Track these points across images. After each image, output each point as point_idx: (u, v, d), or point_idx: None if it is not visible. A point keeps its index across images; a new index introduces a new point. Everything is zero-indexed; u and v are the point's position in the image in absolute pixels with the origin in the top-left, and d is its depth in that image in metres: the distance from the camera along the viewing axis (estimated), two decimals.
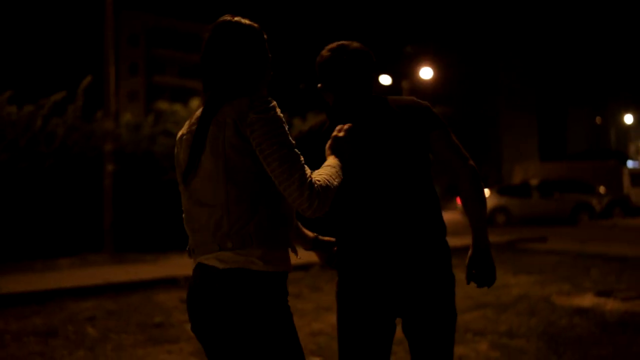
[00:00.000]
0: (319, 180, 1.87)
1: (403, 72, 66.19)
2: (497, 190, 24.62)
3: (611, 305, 6.81)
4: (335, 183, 1.92)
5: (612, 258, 11.12)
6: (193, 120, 2.02)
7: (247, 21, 2.06)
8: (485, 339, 5.45)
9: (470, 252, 2.45)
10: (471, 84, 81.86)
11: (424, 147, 2.31)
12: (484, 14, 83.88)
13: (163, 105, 14.98)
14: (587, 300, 7.19)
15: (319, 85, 2.41)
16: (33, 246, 11.28)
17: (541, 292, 7.87)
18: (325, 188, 1.86)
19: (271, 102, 1.91)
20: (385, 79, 49.89)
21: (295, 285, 7.80)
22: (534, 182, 26.01)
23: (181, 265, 9.61)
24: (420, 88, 62.69)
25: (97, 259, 10.68)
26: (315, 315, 6.41)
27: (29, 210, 11.61)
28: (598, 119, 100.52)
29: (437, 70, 54.33)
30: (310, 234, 2.42)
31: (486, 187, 45.19)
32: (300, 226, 2.40)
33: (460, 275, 2.56)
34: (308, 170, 1.87)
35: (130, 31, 65.33)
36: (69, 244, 11.52)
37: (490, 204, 23.17)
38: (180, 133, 2.07)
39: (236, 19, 2.04)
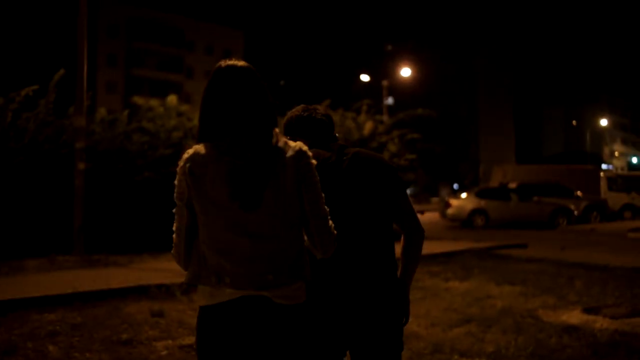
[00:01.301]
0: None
1: (383, 71, 66.22)
2: (476, 192, 24.54)
3: (600, 323, 6.59)
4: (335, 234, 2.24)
5: (594, 267, 11.03)
6: (224, 151, 2.09)
7: (245, 63, 2.23)
8: None
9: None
10: (450, 83, 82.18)
11: (385, 202, 2.59)
12: (463, 14, 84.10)
13: (139, 100, 14.54)
14: (575, 317, 6.96)
15: (287, 138, 2.50)
16: (0, 247, 10.81)
17: (525, 305, 7.67)
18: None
19: (310, 152, 2.17)
20: (364, 77, 49.89)
21: None
22: (512, 185, 26.00)
23: (154, 270, 9.23)
24: (400, 87, 62.80)
25: (66, 262, 10.18)
26: None
27: None
28: (574, 122, 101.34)
29: (416, 69, 54.40)
30: None
31: (463, 188, 45.33)
32: None
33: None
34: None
35: (109, 22, 64.40)
36: (38, 245, 11.02)
37: (469, 206, 23.24)
38: (196, 159, 2.10)
39: (241, 64, 2.21)
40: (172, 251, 2.27)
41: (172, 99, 14.48)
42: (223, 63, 2.20)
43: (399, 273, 2.64)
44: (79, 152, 10.77)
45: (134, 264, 10.14)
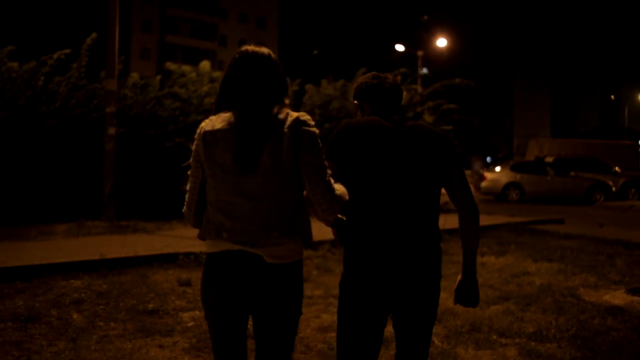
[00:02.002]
0: (337, 190, 2.34)
1: (418, 41, 65.19)
2: (511, 166, 24.01)
3: None
4: (346, 199, 2.40)
5: (635, 246, 10.67)
6: (233, 121, 2.32)
7: (262, 50, 2.48)
8: (512, 343, 4.93)
9: (460, 277, 2.81)
10: (486, 56, 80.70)
11: (440, 175, 2.67)
12: None
13: (172, 66, 14.34)
14: (619, 297, 6.64)
15: (355, 102, 2.89)
16: (30, 210, 10.75)
17: (565, 283, 7.38)
18: (340, 199, 2.34)
19: (312, 121, 2.36)
20: (399, 47, 49.21)
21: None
22: (549, 159, 25.40)
23: (183, 238, 9.07)
24: (435, 58, 61.80)
25: (95, 227, 10.08)
26: (325, 305, 5.88)
27: (26, 172, 11.05)
28: (612, 96, 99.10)
29: (451, 41, 53.45)
30: (343, 217, 2.68)
31: (496, 162, 44.59)
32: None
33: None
34: (332, 180, 2.34)
35: None
36: (67, 210, 10.96)
37: (503, 179, 22.80)
38: (210, 129, 2.33)
39: (262, 50, 2.47)
40: (183, 209, 2.49)
41: (204, 64, 14.23)
42: (243, 48, 2.47)
43: (462, 256, 2.80)
44: (110, 116, 10.59)
45: (162, 231, 10.00)
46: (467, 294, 2.80)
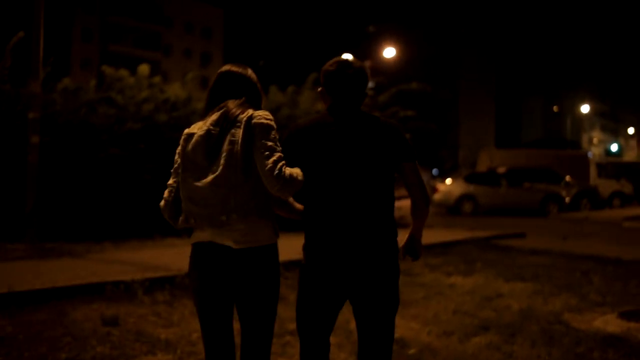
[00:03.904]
0: (288, 169, 2.60)
1: (365, 52, 65.01)
2: (464, 177, 23.58)
3: None
4: (300, 179, 2.63)
5: (606, 261, 10.13)
6: (208, 123, 2.73)
7: (249, 70, 2.93)
8: None
9: (407, 236, 2.99)
10: (431, 67, 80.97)
11: (394, 167, 2.83)
12: None
13: (107, 69, 13.15)
14: (612, 323, 5.92)
15: (320, 89, 2.94)
16: None
17: (546, 307, 6.67)
18: (292, 177, 2.58)
19: (268, 116, 2.72)
20: (347, 57, 48.65)
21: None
22: (501, 169, 25.04)
23: (114, 262, 7.94)
24: (382, 69, 61.65)
25: (14, 251, 8.75)
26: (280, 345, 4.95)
27: None
28: (555, 108, 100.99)
29: (398, 52, 53.33)
30: (299, 206, 2.92)
31: (443, 174, 44.34)
32: (292, 201, 2.93)
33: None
34: (283, 162, 2.60)
35: None
36: None
37: (457, 191, 22.40)
38: (189, 131, 2.77)
39: (244, 70, 2.90)
40: (160, 203, 2.79)
41: (143, 68, 13.09)
42: (224, 67, 2.90)
43: (410, 229, 2.99)
44: (33, 123, 9.30)
45: (91, 254, 8.75)
46: (412, 248, 2.99)
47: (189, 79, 14.49)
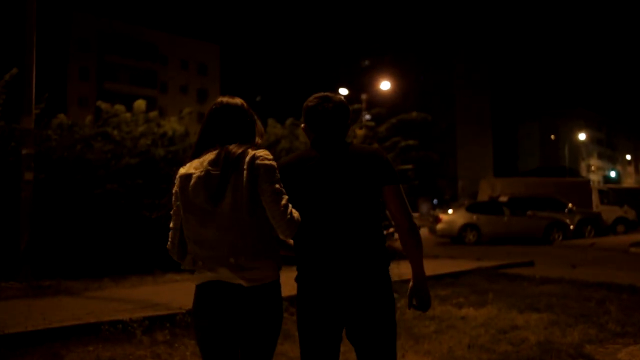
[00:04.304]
0: (294, 212, 2.62)
1: (361, 85, 65.22)
2: (467, 207, 23.34)
3: None
4: (300, 219, 2.65)
5: (619, 288, 9.79)
6: (205, 164, 2.68)
7: (239, 100, 2.89)
8: None
9: (411, 284, 2.89)
10: (427, 99, 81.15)
11: (377, 193, 2.80)
12: (439, 28, 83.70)
13: (103, 104, 12.97)
14: (637, 356, 5.58)
15: (303, 125, 2.95)
16: None
17: (565, 339, 6.33)
18: (298, 220, 2.61)
19: (269, 155, 2.69)
20: (343, 91, 48.96)
21: None
22: (503, 198, 24.84)
23: (112, 300, 7.61)
24: (378, 101, 61.84)
25: (8, 289, 8.41)
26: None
27: None
28: (552, 136, 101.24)
29: (394, 84, 53.54)
30: (291, 241, 2.93)
31: (443, 204, 44.10)
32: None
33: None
34: (290, 205, 2.62)
35: (80, 35, 62.69)
36: None
37: (460, 221, 22.15)
38: (185, 171, 2.71)
39: (235, 101, 2.87)
40: (168, 244, 2.83)
41: (139, 104, 12.92)
42: (218, 100, 2.89)
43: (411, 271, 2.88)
44: (27, 159, 9.02)
45: (89, 292, 8.41)
46: (419, 298, 2.88)
47: (185, 113, 14.33)
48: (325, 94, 2.89)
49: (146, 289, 8.76)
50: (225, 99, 2.85)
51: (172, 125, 13.13)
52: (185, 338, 6.01)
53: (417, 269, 2.84)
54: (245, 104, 2.86)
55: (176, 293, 8.13)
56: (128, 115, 12.75)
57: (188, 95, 70.40)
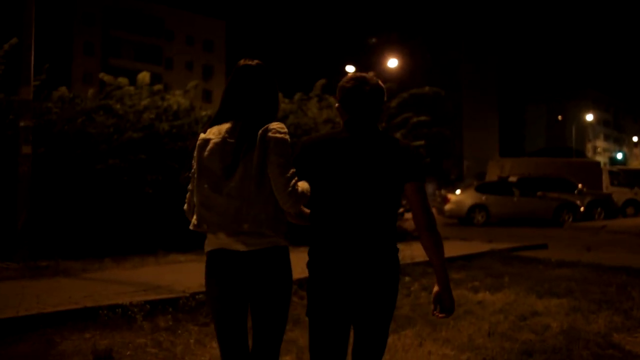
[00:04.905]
0: (299, 186, 2.66)
1: (368, 63, 64.66)
2: (476, 187, 22.92)
3: None
4: (308, 194, 2.70)
5: (638, 272, 9.44)
6: (224, 131, 2.75)
7: (260, 63, 2.90)
8: None
9: (435, 289, 2.83)
10: (434, 78, 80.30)
11: (401, 186, 2.79)
12: (447, 7, 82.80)
13: (106, 77, 12.55)
14: None
15: (337, 105, 2.91)
16: None
17: (589, 326, 6.02)
18: (302, 194, 2.65)
19: (283, 129, 2.74)
20: (350, 69, 48.40)
21: None
22: (512, 179, 24.42)
23: (112, 282, 7.24)
24: (385, 79, 61.21)
25: (4, 270, 8.05)
26: None
27: None
28: (559, 117, 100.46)
29: (400, 63, 52.96)
30: (306, 210, 2.88)
31: (449, 184, 43.80)
32: (303, 210, 2.86)
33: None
34: (295, 177, 2.66)
35: (85, 9, 61.96)
36: None
37: (468, 201, 21.78)
38: (205, 136, 2.78)
39: (256, 62, 2.89)
40: (185, 206, 2.90)
41: (144, 75, 12.48)
42: (242, 62, 2.89)
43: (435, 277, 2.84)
44: (24, 131, 8.59)
45: (89, 273, 8.01)
46: (443, 303, 2.83)
47: (191, 86, 13.89)
48: (362, 75, 2.85)
49: (148, 270, 8.38)
50: (245, 61, 2.87)
51: (176, 99, 12.70)
52: (189, 324, 5.64)
53: (441, 273, 2.80)
54: (266, 67, 2.88)
55: (179, 275, 7.78)
56: (131, 88, 12.33)
57: (193, 71, 69.72)
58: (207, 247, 2.78)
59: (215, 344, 5.02)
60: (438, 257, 2.77)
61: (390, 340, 5.45)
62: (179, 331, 5.40)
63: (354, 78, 2.84)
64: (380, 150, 2.76)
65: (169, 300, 6.16)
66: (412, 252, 9.01)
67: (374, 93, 2.82)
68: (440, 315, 2.82)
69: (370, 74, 2.90)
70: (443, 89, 16.37)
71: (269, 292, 2.69)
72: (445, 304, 2.80)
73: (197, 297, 6.30)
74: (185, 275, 7.63)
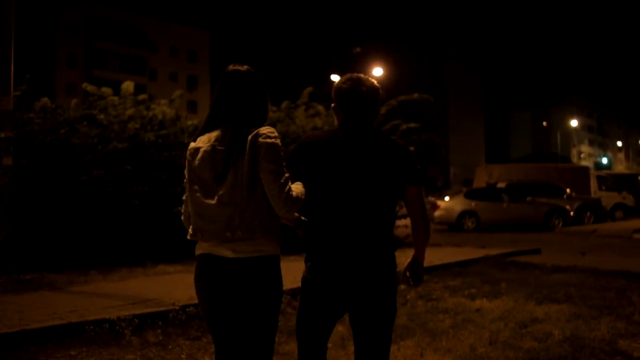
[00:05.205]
0: (294, 191, 2.65)
1: (352, 72, 64.45)
2: (465, 194, 22.85)
3: None
4: (302, 198, 2.69)
5: (637, 277, 9.32)
6: (212, 139, 2.73)
7: (250, 69, 2.87)
8: None
9: (409, 261, 3.00)
10: (419, 86, 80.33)
11: (399, 187, 2.85)
12: (431, 16, 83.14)
13: (89, 87, 12.30)
14: None
15: (333, 105, 2.95)
16: None
17: (592, 332, 5.84)
18: (297, 198, 2.65)
19: (273, 133, 2.71)
20: (335, 77, 48.39)
21: None
22: (501, 185, 24.37)
23: (99, 296, 6.96)
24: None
25: None
26: None
27: None
28: (544, 123, 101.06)
29: (385, 71, 53.03)
30: (296, 214, 2.88)
31: (436, 191, 43.81)
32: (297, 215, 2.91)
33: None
34: (289, 183, 2.65)
35: (68, 21, 61.66)
36: None
37: (458, 208, 21.75)
38: (195, 145, 2.76)
39: (245, 68, 2.85)
40: (182, 216, 2.89)
41: (127, 85, 12.24)
42: (230, 67, 2.85)
43: (413, 253, 2.99)
44: (5, 142, 8.27)
45: (74, 286, 7.72)
46: (414, 271, 2.99)
47: (176, 95, 13.67)
48: (359, 75, 2.89)
49: (136, 283, 8.10)
50: (234, 66, 2.84)
51: (162, 108, 12.46)
52: (179, 338, 5.38)
53: (420, 253, 2.97)
54: (255, 72, 2.85)
55: (168, 287, 7.52)
56: (115, 98, 12.07)
57: (178, 82, 69.42)
58: (197, 251, 2.79)
59: (207, 359, 4.80)
60: (424, 248, 2.97)
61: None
62: (170, 346, 5.14)
63: (351, 79, 2.87)
64: (378, 149, 2.78)
65: (158, 313, 5.90)
66: (406, 260, 8.84)
67: (370, 93, 2.86)
68: (411, 281, 3.00)
69: (367, 76, 2.92)
70: (428, 94, 16.20)
71: (256, 300, 2.68)
72: (416, 272, 2.99)
73: (187, 310, 6.06)
74: (175, 287, 7.38)
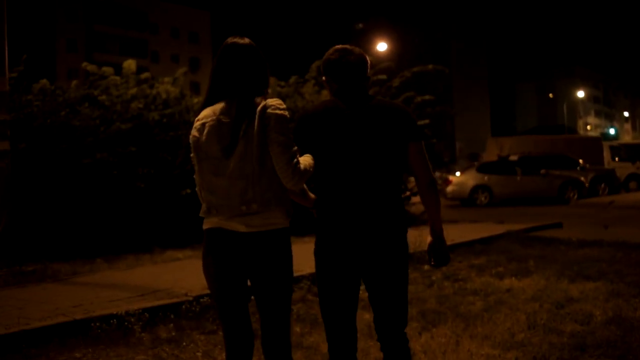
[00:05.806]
0: (302, 161, 2.65)
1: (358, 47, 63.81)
2: (477, 168, 22.28)
3: None
4: (311, 169, 2.70)
5: None
6: (217, 112, 2.67)
7: (249, 41, 2.83)
8: None
9: (429, 239, 2.94)
10: (424, 62, 79.62)
11: (401, 148, 2.84)
12: None
13: (89, 66, 11.81)
14: None
15: (324, 78, 2.99)
16: None
17: (636, 312, 5.40)
18: (305, 170, 2.64)
19: (282, 105, 2.70)
20: (345, 46, 47.81)
21: None
22: (513, 157, 23.85)
23: (105, 287, 6.53)
24: (374, 64, 60.58)
25: None
26: None
27: None
28: (550, 94, 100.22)
29: (389, 46, 52.32)
30: (312, 195, 2.94)
31: (443, 165, 43.25)
32: (306, 189, 2.91)
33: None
34: (297, 155, 2.64)
35: (67, 4, 60.95)
36: None
37: (470, 182, 21.21)
38: (201, 121, 2.71)
39: (245, 41, 2.81)
40: (196, 187, 2.78)
41: (129, 63, 11.73)
42: (228, 40, 2.80)
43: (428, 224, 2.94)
44: (1, 126, 7.90)
45: (79, 277, 7.29)
46: (438, 254, 2.93)
47: (180, 74, 13.17)
48: (344, 46, 2.94)
49: (144, 271, 7.65)
50: (233, 39, 2.80)
51: (165, 87, 11.97)
52: (194, 332, 4.94)
53: (436, 224, 2.90)
54: (254, 44, 2.81)
55: (179, 274, 7.09)
56: (117, 78, 11.58)
57: (180, 64, 68.73)
58: (205, 225, 2.73)
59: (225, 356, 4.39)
60: (436, 211, 2.89)
61: (423, 339, 4.86)
62: (184, 343, 4.68)
63: (338, 50, 2.93)
64: (376, 115, 2.81)
65: (169, 305, 5.46)
66: (424, 238, 8.42)
67: (359, 61, 2.90)
68: (433, 261, 2.94)
69: (353, 46, 2.96)
70: (432, 73, 15.66)
71: (269, 274, 2.66)
72: (440, 254, 2.92)
73: (201, 300, 5.61)
74: (186, 274, 6.94)
